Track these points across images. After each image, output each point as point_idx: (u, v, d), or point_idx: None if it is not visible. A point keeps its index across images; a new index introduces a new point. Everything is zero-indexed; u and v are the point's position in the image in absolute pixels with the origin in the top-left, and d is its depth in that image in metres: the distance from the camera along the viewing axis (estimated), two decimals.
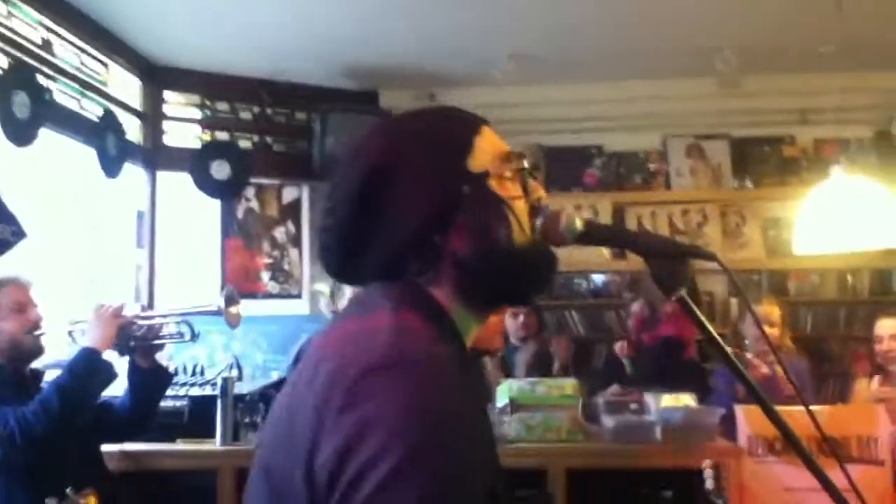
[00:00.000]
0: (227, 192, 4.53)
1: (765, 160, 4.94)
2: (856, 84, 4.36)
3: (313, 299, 4.67)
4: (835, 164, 3.51)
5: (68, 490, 1.56)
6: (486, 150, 0.97)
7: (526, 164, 1.02)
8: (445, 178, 0.94)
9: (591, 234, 1.08)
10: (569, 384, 3.07)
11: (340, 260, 0.98)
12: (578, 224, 1.05)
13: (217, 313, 2.38)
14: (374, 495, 0.75)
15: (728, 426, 3.07)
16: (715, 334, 1.12)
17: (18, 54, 3.28)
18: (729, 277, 1.16)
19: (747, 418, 2.95)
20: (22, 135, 3.19)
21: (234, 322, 2.40)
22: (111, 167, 3.85)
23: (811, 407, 1.20)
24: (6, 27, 3.23)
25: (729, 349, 1.15)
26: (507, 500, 0.97)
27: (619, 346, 3.79)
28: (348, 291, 2.84)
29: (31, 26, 3.40)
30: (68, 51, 3.69)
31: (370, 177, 0.93)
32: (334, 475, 0.77)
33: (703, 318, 1.10)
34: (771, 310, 3.47)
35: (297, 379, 0.89)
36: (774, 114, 4.84)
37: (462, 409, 0.83)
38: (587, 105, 4.80)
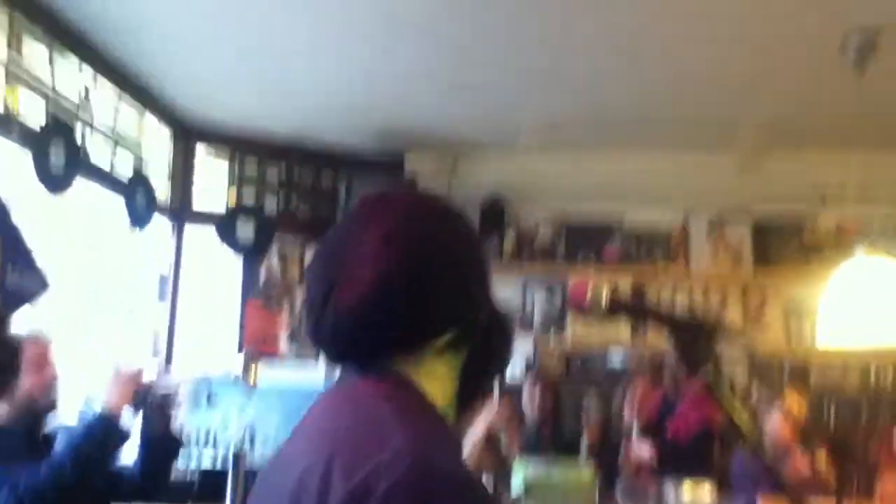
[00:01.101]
0: (251, 252, 4.56)
1: (786, 241, 4.90)
2: (875, 164, 4.33)
3: (329, 366, 4.63)
4: (857, 244, 3.44)
5: None
6: None
7: None
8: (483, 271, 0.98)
9: (617, 306, 1.09)
10: (586, 471, 3.01)
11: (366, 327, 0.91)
12: (605, 296, 1.05)
13: (236, 379, 2.36)
14: None
15: None
16: (740, 418, 1.09)
17: (56, 109, 3.34)
18: (756, 358, 1.14)
19: None
20: (56, 183, 3.25)
21: (250, 389, 2.38)
22: (139, 220, 3.89)
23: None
24: (46, 81, 3.30)
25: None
26: None
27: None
28: None
29: (71, 79, 3.47)
30: (105, 104, 3.76)
31: (416, 255, 0.91)
32: None
33: (730, 399, 1.08)
34: (793, 401, 3.41)
35: (297, 468, 0.86)
36: (796, 195, 4.76)
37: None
38: (610, 175, 4.80)
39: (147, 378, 2.37)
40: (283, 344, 4.66)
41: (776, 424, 3.29)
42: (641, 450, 3.43)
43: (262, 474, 0.99)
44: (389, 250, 0.90)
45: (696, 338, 1.08)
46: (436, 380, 0.93)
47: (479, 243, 1.00)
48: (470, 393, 0.98)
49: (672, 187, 4.83)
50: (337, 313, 0.89)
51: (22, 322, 2.81)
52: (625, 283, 4.76)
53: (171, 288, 4.31)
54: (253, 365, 2.42)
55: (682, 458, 3.35)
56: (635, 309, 1.18)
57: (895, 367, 4.64)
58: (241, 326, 4.56)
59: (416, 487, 0.78)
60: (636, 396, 3.69)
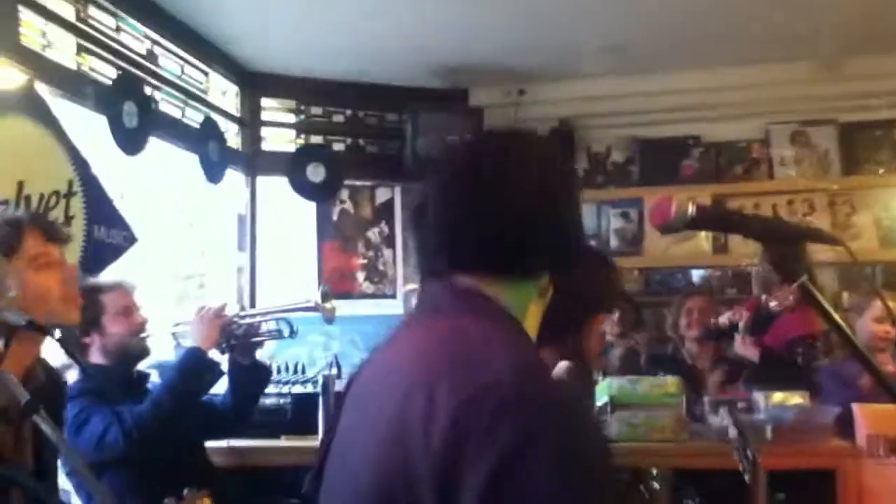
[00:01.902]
0: (322, 195, 4.62)
1: (876, 146, 4.68)
2: None
3: (406, 299, 4.70)
4: None
5: (185, 491, 1.61)
6: None
7: None
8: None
9: (704, 218, 1.06)
10: (671, 382, 2.97)
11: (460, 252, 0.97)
12: (690, 208, 1.02)
13: (313, 309, 2.42)
14: None
15: (842, 426, 2.91)
16: (842, 323, 1.06)
17: (126, 66, 3.42)
18: (849, 265, 1.10)
19: (866, 417, 2.79)
20: (131, 143, 3.33)
21: (329, 317, 2.45)
22: (213, 173, 3.98)
23: None
24: (115, 40, 3.38)
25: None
26: None
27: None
28: None
29: (137, 38, 3.55)
30: (171, 61, 3.84)
31: (557, 189, 0.98)
32: (495, 488, 0.76)
33: (827, 307, 1.04)
34: (886, 304, 3.27)
35: (392, 395, 0.87)
36: (883, 96, 4.56)
37: (594, 426, 0.88)
38: (682, 95, 4.65)
39: (230, 313, 2.46)
40: (361, 282, 4.75)
41: (867, 327, 3.16)
42: (747, 349, 3.36)
43: (358, 384, 1.01)
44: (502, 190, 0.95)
45: (790, 246, 1.02)
46: (531, 317, 0.97)
47: (578, 191, 1.04)
48: (561, 328, 1.03)
49: (750, 102, 4.65)
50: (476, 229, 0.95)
51: (110, 273, 2.92)
52: (704, 200, 4.62)
53: (249, 237, 4.42)
54: (330, 300, 2.46)
55: (778, 367, 3.27)
56: (723, 221, 1.16)
57: None
58: (319, 268, 4.67)
59: (522, 409, 0.79)
60: (694, 310, 3.62)
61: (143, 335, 2.38)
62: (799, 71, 4.45)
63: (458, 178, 0.98)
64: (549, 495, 0.75)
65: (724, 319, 3.53)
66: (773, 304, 3.44)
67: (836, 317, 1.04)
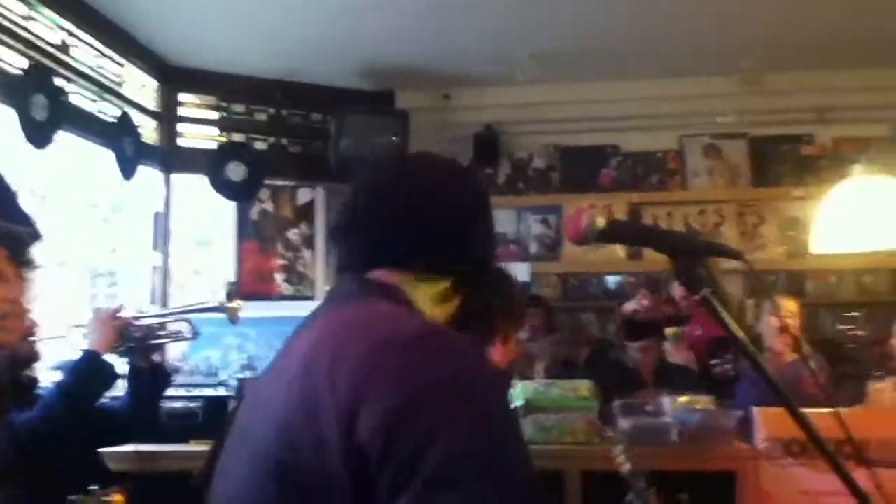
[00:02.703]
0: (242, 194, 4.54)
1: (783, 160, 4.90)
2: (876, 82, 4.31)
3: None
4: (855, 163, 3.47)
5: (95, 487, 1.57)
6: None
7: None
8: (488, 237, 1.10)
9: (614, 232, 1.10)
10: (584, 386, 3.03)
11: (362, 252, 1.03)
12: (600, 222, 1.07)
13: (217, 309, 2.37)
14: (441, 469, 0.73)
15: (745, 429, 3.03)
16: (740, 334, 1.10)
17: (36, 56, 3.30)
18: (755, 275, 1.17)
19: (765, 421, 2.91)
20: (40, 136, 3.21)
21: (233, 318, 2.39)
22: (127, 168, 3.87)
23: (830, 409, 1.18)
24: (25, 29, 3.25)
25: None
26: None
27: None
28: None
29: (49, 28, 3.42)
30: (85, 52, 3.71)
31: (476, 201, 1.08)
32: (388, 446, 0.75)
33: (728, 318, 1.09)
34: (788, 304, 3.44)
35: (294, 369, 0.87)
36: (793, 112, 4.78)
37: (505, 380, 0.90)
38: (603, 105, 4.78)
39: (128, 314, 2.38)
40: (280, 283, 4.69)
41: (770, 329, 3.31)
42: (680, 355, 3.47)
43: (256, 383, 1.01)
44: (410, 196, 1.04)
45: (695, 260, 1.07)
46: (422, 294, 0.99)
47: (487, 205, 1.10)
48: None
49: (667, 113, 4.81)
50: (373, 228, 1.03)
51: None
52: (620, 208, 4.75)
53: (163, 235, 4.31)
54: (236, 299, 2.40)
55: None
56: (632, 235, 1.22)
57: (890, 275, 4.66)
58: (238, 269, 4.59)
59: (430, 355, 0.80)
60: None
61: (31, 339, 2.29)
62: (714, 85, 4.61)
63: (389, 186, 1.06)
64: (448, 439, 0.74)
65: (629, 307, 3.67)
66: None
67: (734, 327, 1.09)
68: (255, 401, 0.94)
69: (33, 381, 2.34)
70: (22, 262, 1.65)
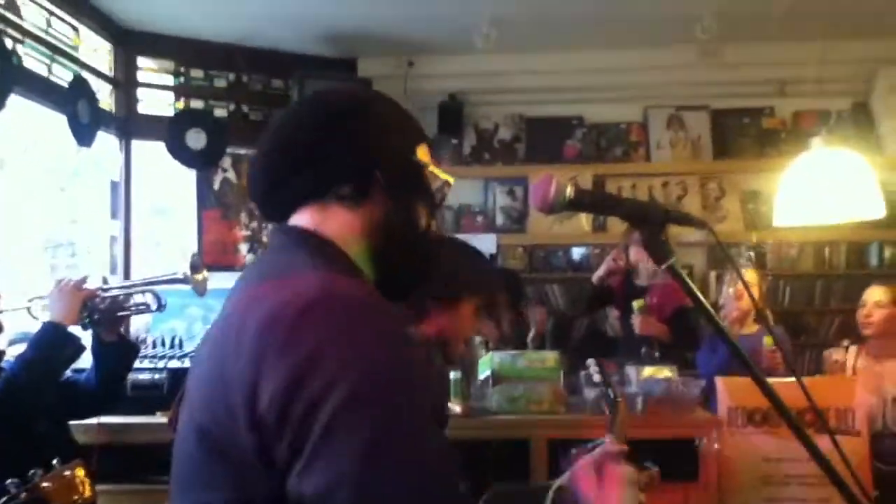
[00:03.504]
0: (203, 162, 4.44)
1: (744, 132, 4.96)
2: (835, 55, 4.36)
3: None
4: (814, 136, 3.51)
5: (55, 461, 1.53)
6: (425, 156, 1.07)
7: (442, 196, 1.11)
8: (406, 141, 1.05)
9: (581, 201, 1.11)
10: (551, 357, 3.07)
11: (269, 183, 1.02)
12: (569, 191, 1.08)
13: (183, 281, 2.32)
14: (328, 429, 0.76)
15: (708, 397, 3.10)
16: (705, 302, 1.11)
17: None
18: (719, 244, 1.17)
19: (727, 389, 2.97)
20: None
21: (200, 290, 2.35)
22: (84, 135, 3.74)
23: (790, 379, 1.19)
24: None
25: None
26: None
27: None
28: None
29: None
30: (35, 13, 3.57)
31: (344, 108, 1.02)
32: (283, 413, 0.78)
33: (693, 286, 1.10)
34: (748, 274, 3.50)
35: (217, 337, 0.90)
36: (754, 85, 4.84)
37: (402, 334, 0.88)
38: (568, 75, 4.76)
39: (93, 285, 2.32)
40: (244, 254, 4.62)
41: (730, 300, 3.37)
42: (652, 328, 3.48)
43: (196, 352, 1.03)
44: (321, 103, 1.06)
45: (660, 228, 1.07)
46: (340, 228, 0.99)
47: (372, 107, 1.05)
48: (394, 277, 1.02)
49: (630, 84, 4.82)
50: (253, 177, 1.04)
51: None
52: (585, 180, 4.77)
53: (123, 204, 4.20)
54: (201, 271, 2.35)
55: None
56: (599, 204, 1.18)
57: (848, 248, 4.77)
58: (200, 239, 4.50)
59: (320, 318, 0.81)
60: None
61: None
62: (677, 55, 4.62)
63: (275, 127, 1.06)
64: (342, 399, 0.76)
65: (596, 275, 3.74)
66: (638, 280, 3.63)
67: (699, 295, 1.10)
68: (194, 365, 0.97)
69: None
70: None
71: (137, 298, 2.37)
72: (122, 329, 2.42)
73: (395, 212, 1.00)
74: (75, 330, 2.26)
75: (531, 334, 3.88)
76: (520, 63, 4.70)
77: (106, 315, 2.30)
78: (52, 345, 2.16)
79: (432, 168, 1.07)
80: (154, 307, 2.36)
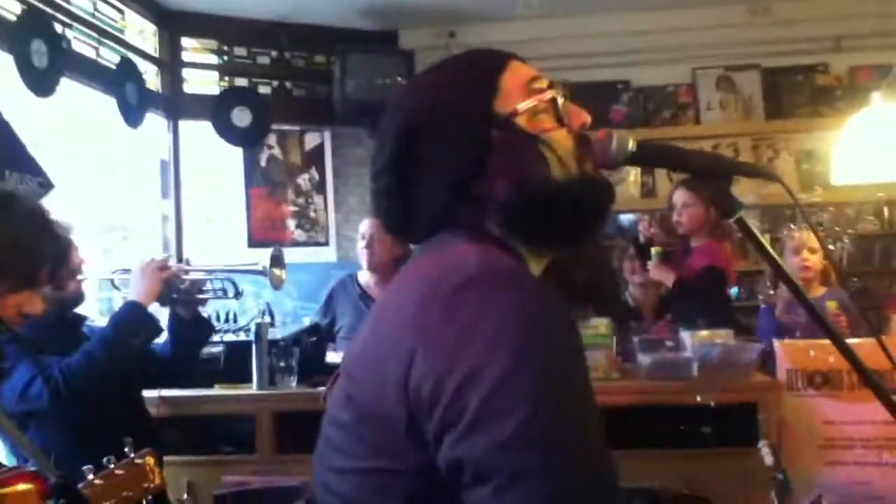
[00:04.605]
0: (248, 140, 4.48)
1: (798, 90, 4.81)
2: (891, 8, 4.19)
3: (340, 246, 4.64)
4: (872, 91, 3.39)
5: (126, 449, 1.56)
6: (512, 87, 0.96)
7: (557, 93, 0.98)
8: (472, 126, 0.93)
9: (645, 154, 1.04)
10: (602, 323, 3.03)
11: (397, 221, 1.00)
12: (631, 144, 1.01)
13: (262, 273, 2.36)
14: (485, 400, 0.75)
15: (766, 362, 3.03)
16: (778, 259, 1.08)
17: (32, 0, 3.21)
18: (793, 200, 1.12)
19: (786, 353, 2.90)
20: (42, 84, 3.14)
21: (277, 284, 2.39)
22: (132, 116, 3.80)
23: (857, 340, 1.15)
24: None
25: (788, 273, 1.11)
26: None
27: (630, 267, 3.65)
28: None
29: None
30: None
31: (403, 140, 0.94)
32: (436, 388, 0.77)
33: (763, 240, 1.06)
34: (808, 237, 3.40)
35: (378, 312, 0.91)
36: (807, 42, 4.68)
37: (560, 313, 0.84)
38: (612, 38, 4.67)
39: (175, 267, 2.37)
40: (292, 229, 4.66)
41: (788, 260, 3.27)
42: (661, 274, 3.42)
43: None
44: (388, 134, 0.97)
45: (726, 182, 1.03)
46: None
47: (473, 81, 0.96)
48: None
49: (678, 45, 4.70)
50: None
51: None
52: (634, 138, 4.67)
53: (173, 184, 4.27)
54: (281, 266, 2.40)
55: (691, 300, 3.36)
56: (663, 156, 1.10)
57: None
58: (248, 216, 4.55)
59: (480, 290, 0.80)
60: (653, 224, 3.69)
61: (79, 278, 2.27)
62: (726, 15, 4.49)
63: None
64: (499, 374, 0.75)
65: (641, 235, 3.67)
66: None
67: (770, 249, 1.06)
68: (353, 339, 0.97)
69: (80, 319, 2.33)
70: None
71: (215, 284, 2.42)
72: (196, 309, 2.47)
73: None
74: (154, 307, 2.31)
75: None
76: (563, 28, 4.62)
77: (184, 296, 2.36)
78: (131, 325, 2.19)
79: (533, 84, 0.96)
80: (231, 294, 2.41)
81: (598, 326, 2.99)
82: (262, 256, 2.43)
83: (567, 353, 0.81)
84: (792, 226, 3.49)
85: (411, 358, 0.79)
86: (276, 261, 2.38)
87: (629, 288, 3.76)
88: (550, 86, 0.98)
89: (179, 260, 3.68)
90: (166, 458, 2.38)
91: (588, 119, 0.99)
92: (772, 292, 3.32)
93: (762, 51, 4.75)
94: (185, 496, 2.68)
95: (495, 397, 0.74)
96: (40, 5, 3.26)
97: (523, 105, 0.94)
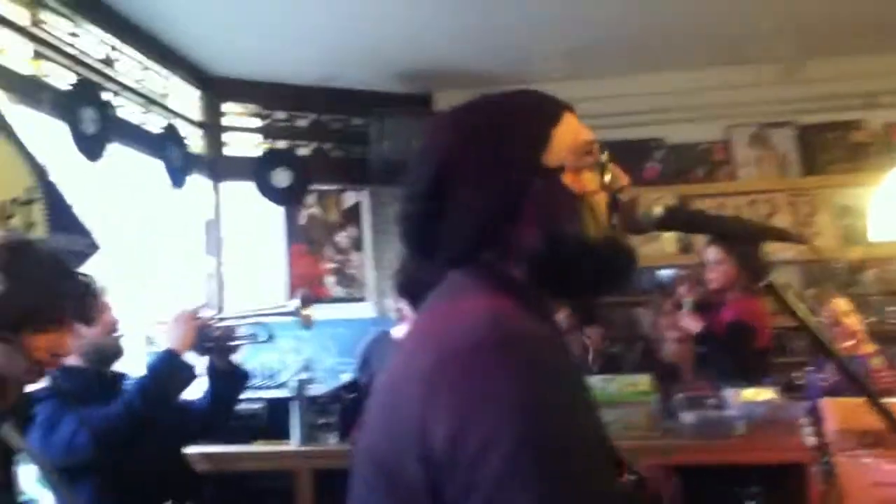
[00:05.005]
0: (288, 199, 4.58)
1: (833, 146, 4.79)
2: None
3: (379, 302, 4.67)
4: None
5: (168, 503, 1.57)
6: (564, 142, 0.96)
7: (606, 157, 0.98)
8: (516, 171, 0.93)
9: (671, 219, 1.04)
10: (643, 380, 3.00)
11: (418, 248, 1.00)
12: (657, 210, 1.02)
13: (292, 314, 2.39)
14: (501, 472, 0.75)
15: (815, 420, 2.95)
16: (810, 320, 1.06)
17: (83, 71, 3.35)
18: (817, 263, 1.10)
19: (836, 411, 2.83)
20: (92, 149, 3.26)
21: (307, 323, 2.41)
22: (177, 177, 3.92)
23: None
24: (71, 45, 3.30)
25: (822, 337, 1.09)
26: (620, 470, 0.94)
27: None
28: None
29: (94, 43, 3.47)
30: (130, 66, 3.76)
31: (443, 170, 0.94)
32: (452, 454, 0.77)
33: (794, 303, 1.05)
34: (839, 302, 3.34)
35: (395, 367, 0.90)
36: (841, 98, 4.68)
37: (572, 387, 0.84)
38: (645, 97, 4.71)
39: (206, 316, 2.41)
40: (331, 286, 4.71)
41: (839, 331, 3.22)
42: (689, 323, 3.38)
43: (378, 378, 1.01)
44: (423, 165, 0.97)
45: (755, 246, 1.03)
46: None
47: (526, 127, 0.96)
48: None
49: (711, 103, 4.73)
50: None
51: None
52: (671, 201, 4.67)
53: (215, 241, 4.36)
54: (310, 306, 2.43)
55: (720, 353, 3.30)
56: (690, 222, 1.11)
57: None
58: (288, 273, 4.61)
59: (489, 345, 0.80)
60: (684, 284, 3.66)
61: (116, 335, 2.32)
62: (760, 73, 4.53)
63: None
64: (513, 447, 0.75)
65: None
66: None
67: (803, 314, 1.04)
68: (375, 390, 0.97)
69: (119, 376, 2.37)
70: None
71: (247, 329, 2.45)
72: (234, 358, 2.51)
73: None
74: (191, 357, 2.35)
75: (589, 356, 3.81)
76: (595, 89, 4.67)
77: (218, 343, 2.39)
78: (167, 371, 2.24)
79: (585, 143, 0.97)
80: (263, 339, 2.44)
81: (637, 384, 2.96)
82: (292, 300, 2.46)
83: (579, 429, 0.81)
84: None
85: (425, 424, 0.79)
86: (305, 302, 2.41)
87: (666, 345, 3.72)
88: (601, 147, 0.99)
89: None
90: None
91: (627, 182, 1.00)
92: None
93: (796, 108, 4.76)
94: None
95: (512, 470, 0.75)
96: (91, 75, 3.40)
97: (572, 161, 0.95)
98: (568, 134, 0.97)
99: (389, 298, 4.26)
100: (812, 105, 4.72)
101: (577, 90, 4.55)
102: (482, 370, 0.79)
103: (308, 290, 2.53)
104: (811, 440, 1.80)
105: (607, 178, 0.97)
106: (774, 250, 1.06)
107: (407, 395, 0.82)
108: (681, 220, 1.07)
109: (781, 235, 1.07)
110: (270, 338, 2.43)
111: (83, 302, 1.64)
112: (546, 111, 0.99)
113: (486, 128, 0.96)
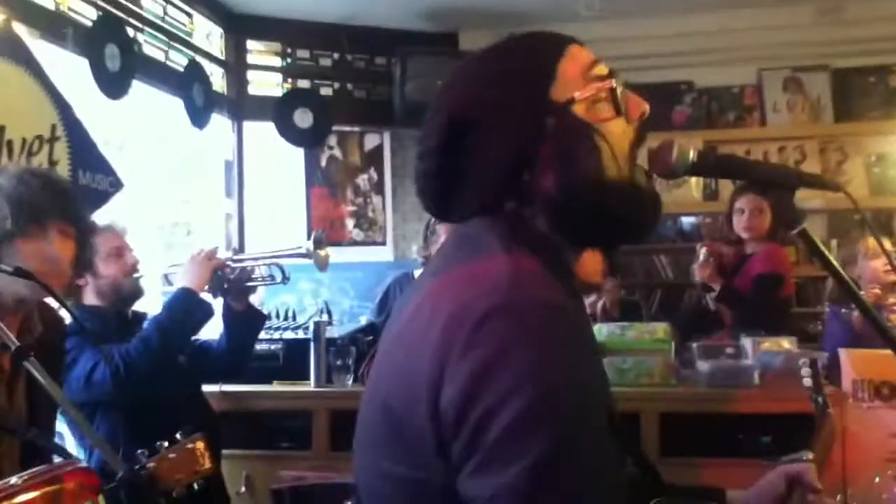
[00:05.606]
0: (309, 141, 4.56)
1: (869, 92, 4.65)
2: None
3: (397, 245, 4.69)
4: None
5: (178, 434, 1.62)
6: (570, 74, 0.92)
7: (617, 82, 0.93)
8: (526, 113, 0.90)
9: (706, 165, 1.02)
10: (661, 328, 2.99)
11: (437, 203, 0.98)
12: (692, 154, 0.99)
13: (306, 255, 2.40)
14: (501, 439, 0.76)
15: (831, 372, 2.94)
16: (840, 269, 1.05)
17: (106, 6, 3.32)
18: (862, 217, 1.08)
19: (852, 362, 2.81)
20: (115, 87, 3.26)
21: (322, 264, 2.42)
22: (199, 117, 3.91)
23: None
24: None
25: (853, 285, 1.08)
26: (624, 434, 0.93)
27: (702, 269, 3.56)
28: (442, 235, 2.84)
29: None
30: (153, 2, 3.73)
31: (454, 122, 0.92)
32: (461, 415, 0.78)
33: (825, 251, 1.03)
34: (875, 244, 3.28)
35: (409, 320, 0.88)
36: (879, 41, 4.52)
37: (582, 353, 0.83)
38: (676, 39, 4.59)
39: (222, 256, 2.44)
40: (350, 229, 4.73)
41: (871, 272, 3.17)
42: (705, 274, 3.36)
43: (385, 329, 1.01)
44: (438, 115, 0.95)
45: (789, 193, 1.00)
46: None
47: (529, 66, 0.93)
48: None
49: (743, 45, 4.60)
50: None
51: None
52: (695, 147, 4.59)
53: (236, 183, 4.37)
54: (324, 247, 2.44)
55: (748, 307, 3.28)
56: (724, 167, 1.08)
57: None
58: (308, 215, 4.63)
59: (499, 325, 0.79)
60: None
61: (136, 275, 2.36)
62: (794, 15, 4.38)
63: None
64: (517, 411, 0.75)
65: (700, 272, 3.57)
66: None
67: (834, 261, 1.03)
68: (385, 337, 0.97)
69: (140, 317, 2.42)
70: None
71: (263, 271, 2.48)
72: (249, 299, 2.54)
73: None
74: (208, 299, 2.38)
75: (600, 305, 3.80)
76: (625, 30, 4.56)
77: (235, 285, 2.43)
78: (184, 308, 2.28)
79: (593, 71, 0.92)
80: (279, 279, 2.46)
81: (655, 332, 2.96)
82: (306, 241, 2.47)
83: (586, 396, 0.81)
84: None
85: (437, 383, 0.79)
86: (319, 243, 2.41)
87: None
88: (611, 74, 0.94)
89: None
90: (225, 452, 2.45)
91: (647, 108, 0.96)
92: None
93: (831, 51, 4.62)
94: (243, 489, 2.75)
95: (511, 437, 0.75)
96: (114, 10, 3.38)
97: (581, 93, 0.91)
98: (574, 65, 0.93)
99: (410, 242, 4.28)
100: (848, 48, 4.57)
101: (606, 31, 4.50)
102: (497, 336, 0.78)
103: (323, 231, 2.52)
104: (807, 381, 1.80)
105: (629, 101, 0.93)
106: (800, 198, 1.04)
107: (421, 354, 0.82)
108: (715, 164, 1.05)
109: (817, 182, 1.05)
110: (286, 279, 2.45)
111: (67, 206, 1.64)
112: (548, 47, 0.95)
113: (490, 74, 0.94)
